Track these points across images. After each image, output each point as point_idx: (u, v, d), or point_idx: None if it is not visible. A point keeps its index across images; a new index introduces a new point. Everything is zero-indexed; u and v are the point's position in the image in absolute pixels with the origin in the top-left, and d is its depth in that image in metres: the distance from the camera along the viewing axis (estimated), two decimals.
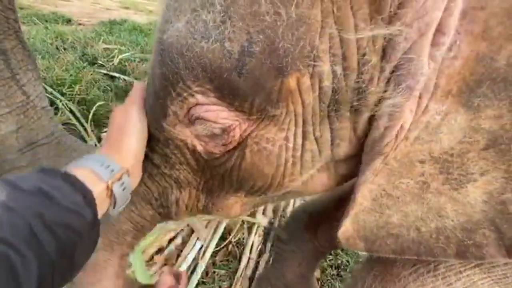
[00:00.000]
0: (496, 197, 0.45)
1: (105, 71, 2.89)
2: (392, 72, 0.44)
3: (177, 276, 0.75)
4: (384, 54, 0.44)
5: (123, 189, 0.53)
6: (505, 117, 0.42)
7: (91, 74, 2.53)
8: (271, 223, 1.76)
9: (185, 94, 0.49)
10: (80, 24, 4.37)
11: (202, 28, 0.43)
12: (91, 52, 3.10)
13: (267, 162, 0.53)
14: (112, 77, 2.87)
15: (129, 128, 0.56)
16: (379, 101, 0.46)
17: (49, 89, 2.10)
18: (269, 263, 1.51)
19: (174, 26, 0.46)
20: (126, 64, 3.08)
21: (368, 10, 0.41)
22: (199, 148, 0.55)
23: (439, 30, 0.41)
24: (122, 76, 2.88)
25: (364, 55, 0.44)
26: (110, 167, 0.52)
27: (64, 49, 3.16)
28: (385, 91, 0.45)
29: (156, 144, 0.59)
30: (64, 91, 2.20)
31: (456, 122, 0.43)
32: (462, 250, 0.48)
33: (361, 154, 0.51)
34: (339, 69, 0.44)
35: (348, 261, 1.61)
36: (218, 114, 0.49)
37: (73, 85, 2.28)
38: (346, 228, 0.55)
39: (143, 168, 0.60)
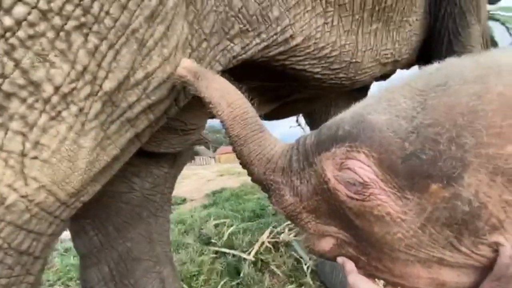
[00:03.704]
0: None
1: (216, 248, 3.30)
2: None
3: None
4: None
5: None
6: None
7: (210, 263, 2.90)
8: None
9: (354, 149, 0.69)
10: (192, 200, 5.37)
11: (399, 128, 0.65)
12: (205, 232, 3.67)
13: (379, 226, 0.67)
14: (222, 253, 3.23)
15: None
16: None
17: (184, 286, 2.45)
18: None
19: (382, 116, 0.67)
20: (233, 237, 3.49)
21: None
22: (331, 182, 0.72)
23: None
24: (231, 252, 3.21)
25: None
26: None
27: (185, 231, 3.82)
28: None
29: (300, 157, 0.80)
30: (192, 284, 2.53)
31: None
32: None
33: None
34: (474, 199, 0.57)
35: None
36: (367, 174, 0.67)
37: (197, 276, 2.63)
38: None
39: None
